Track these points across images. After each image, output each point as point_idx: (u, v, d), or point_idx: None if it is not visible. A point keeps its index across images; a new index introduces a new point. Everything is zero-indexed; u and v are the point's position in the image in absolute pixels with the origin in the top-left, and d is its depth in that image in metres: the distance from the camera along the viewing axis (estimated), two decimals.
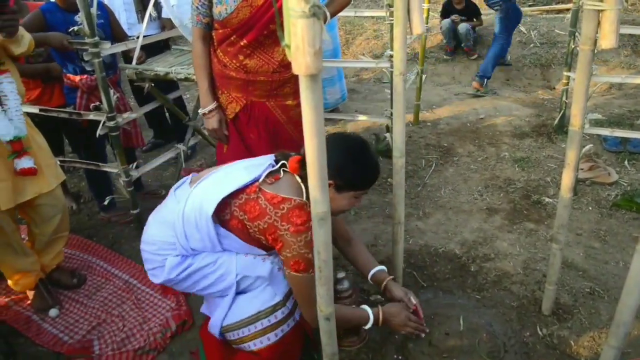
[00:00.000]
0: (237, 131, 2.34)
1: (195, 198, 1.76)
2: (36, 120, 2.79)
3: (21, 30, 2.12)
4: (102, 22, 2.78)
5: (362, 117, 3.36)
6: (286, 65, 2.17)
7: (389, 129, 3.39)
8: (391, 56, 2.95)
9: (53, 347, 2.28)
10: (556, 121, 4.03)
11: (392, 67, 2.96)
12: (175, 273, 1.80)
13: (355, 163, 1.74)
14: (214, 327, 1.90)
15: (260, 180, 1.72)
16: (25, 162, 2.20)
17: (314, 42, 1.02)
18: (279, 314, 1.85)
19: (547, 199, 3.11)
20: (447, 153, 3.81)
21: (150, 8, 2.73)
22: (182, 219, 1.75)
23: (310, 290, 1.56)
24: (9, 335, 2.33)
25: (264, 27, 2.08)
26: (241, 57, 2.14)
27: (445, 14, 5.97)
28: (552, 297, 2.16)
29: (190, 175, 1.93)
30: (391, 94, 3.01)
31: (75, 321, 2.41)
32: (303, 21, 1.00)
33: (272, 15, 2.07)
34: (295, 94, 2.22)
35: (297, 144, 2.25)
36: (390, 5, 2.92)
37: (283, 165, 1.78)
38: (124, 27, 3.12)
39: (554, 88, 5.38)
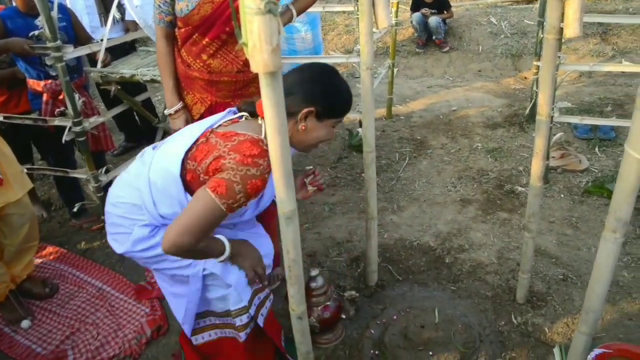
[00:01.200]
0: None
1: (158, 159, 1.63)
2: (2, 127, 2.73)
3: None
4: (64, 25, 2.72)
5: None
6: (247, 63, 2.14)
7: (361, 124, 3.38)
8: (360, 50, 2.93)
9: (27, 359, 2.23)
10: (527, 110, 4.06)
11: (360, 58, 2.94)
12: (140, 247, 1.66)
13: (335, 88, 1.62)
14: (188, 320, 1.81)
15: (215, 125, 1.62)
16: None
17: (271, 40, 1.01)
18: (244, 318, 1.78)
19: (520, 188, 3.14)
20: (421, 146, 3.82)
21: (114, 10, 2.69)
22: (148, 184, 1.61)
23: (205, 220, 1.43)
24: None
25: (225, 24, 2.04)
26: (204, 57, 2.10)
27: (415, 7, 5.99)
28: (525, 285, 2.18)
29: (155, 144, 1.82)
30: (361, 88, 3.01)
31: (49, 331, 2.37)
32: (259, 18, 0.98)
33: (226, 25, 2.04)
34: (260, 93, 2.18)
35: None
36: (358, 0, 2.91)
37: (245, 114, 1.67)
38: (87, 30, 3.06)
39: (525, 78, 5.44)
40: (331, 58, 3.30)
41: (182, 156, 1.55)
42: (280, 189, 1.20)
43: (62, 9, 2.80)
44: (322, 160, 3.65)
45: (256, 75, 2.19)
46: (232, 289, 1.72)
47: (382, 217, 2.92)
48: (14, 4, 2.79)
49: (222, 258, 1.61)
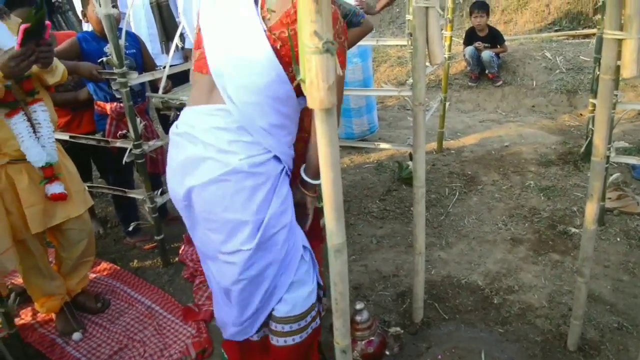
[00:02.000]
0: None
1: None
2: (66, 146, 2.88)
3: (55, 60, 2.21)
4: (133, 52, 2.88)
5: (385, 146, 3.36)
6: None
7: (411, 157, 3.39)
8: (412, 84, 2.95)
9: None
10: (582, 149, 3.97)
11: (413, 93, 2.96)
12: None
13: None
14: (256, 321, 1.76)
15: None
16: (55, 188, 2.27)
17: (327, 78, 1.04)
18: (294, 325, 1.74)
19: (573, 230, 3.05)
20: (471, 181, 3.78)
21: (177, 39, 2.81)
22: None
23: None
24: (33, 357, 2.38)
25: None
26: None
27: (468, 41, 5.98)
28: (577, 332, 2.11)
29: None
30: (413, 123, 3.02)
31: (98, 345, 2.44)
32: (317, 57, 1.02)
33: None
34: None
35: None
36: (411, 34, 2.94)
37: None
38: None
39: (581, 114, 5.32)
40: (383, 91, 3.34)
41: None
42: (331, 221, 1.22)
43: (133, 37, 2.96)
44: (371, 192, 3.66)
45: None
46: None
47: (430, 253, 2.89)
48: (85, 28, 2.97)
49: None
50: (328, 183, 1.16)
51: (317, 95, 1.05)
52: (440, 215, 3.33)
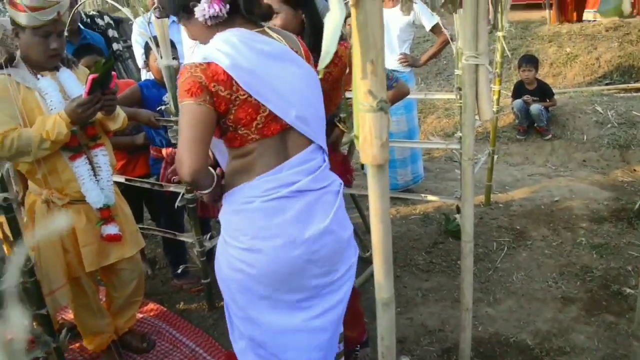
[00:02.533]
0: None
1: None
2: (121, 188, 3.00)
3: (117, 108, 2.34)
4: None
5: (432, 198, 3.36)
6: None
7: (459, 210, 3.37)
8: (461, 138, 2.97)
9: None
10: (637, 206, 3.85)
11: (462, 148, 2.97)
12: None
13: None
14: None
15: None
16: (111, 229, 2.37)
17: (381, 135, 1.08)
18: None
19: (628, 290, 2.94)
20: (520, 236, 3.71)
21: None
22: None
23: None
24: None
25: None
26: None
27: (516, 94, 5.97)
28: None
29: None
30: (461, 177, 3.02)
31: None
32: (371, 115, 1.07)
33: None
34: None
35: None
36: (460, 88, 2.98)
37: None
38: None
39: (634, 170, 5.17)
40: (430, 144, 3.36)
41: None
42: (380, 275, 1.23)
43: None
44: (417, 244, 3.64)
45: None
46: None
47: (477, 309, 2.83)
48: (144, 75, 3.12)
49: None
50: (378, 236, 1.18)
51: (370, 151, 1.09)
52: (488, 270, 3.27)
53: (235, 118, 1.59)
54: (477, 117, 2.25)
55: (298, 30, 2.00)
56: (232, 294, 1.76)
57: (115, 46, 4.25)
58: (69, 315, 2.97)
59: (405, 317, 2.79)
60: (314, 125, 1.71)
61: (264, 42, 1.64)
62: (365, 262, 3.30)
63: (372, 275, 3.20)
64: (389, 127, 1.11)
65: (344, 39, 2.14)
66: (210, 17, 1.60)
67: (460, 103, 2.94)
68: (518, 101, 5.80)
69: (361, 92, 1.06)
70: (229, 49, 1.56)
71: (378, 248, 1.20)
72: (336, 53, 2.02)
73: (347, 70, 2.00)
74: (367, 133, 1.08)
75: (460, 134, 2.95)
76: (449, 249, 3.56)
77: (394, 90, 2.35)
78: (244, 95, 1.57)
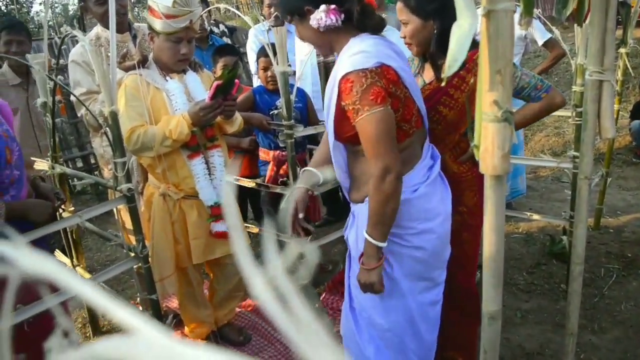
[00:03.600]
0: None
1: None
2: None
3: (236, 112, 2.47)
4: (300, 106, 3.13)
5: (537, 217, 3.24)
6: (444, 168, 2.10)
7: (565, 232, 3.22)
8: (574, 157, 2.84)
9: None
10: None
11: (574, 168, 2.85)
12: None
13: None
14: None
15: None
16: (220, 226, 2.49)
17: (503, 145, 1.07)
18: None
19: None
20: (631, 264, 3.47)
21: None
22: None
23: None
24: None
25: None
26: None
27: (636, 114, 5.60)
28: None
29: None
30: (572, 196, 2.89)
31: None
32: (494, 125, 1.06)
33: (428, 112, 2.01)
34: (454, 201, 2.08)
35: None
36: (577, 106, 2.86)
37: None
38: None
39: None
40: (541, 161, 3.24)
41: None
42: (489, 287, 1.22)
43: (301, 93, 3.23)
44: (518, 263, 3.51)
45: (450, 180, 2.26)
46: None
47: (581, 336, 2.68)
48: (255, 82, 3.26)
49: None
50: (491, 247, 1.17)
51: (490, 162, 1.09)
52: (593, 297, 3.09)
53: (402, 115, 1.70)
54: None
55: (427, 41, 1.99)
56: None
57: None
58: (173, 304, 3.15)
59: (503, 337, 2.70)
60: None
61: (392, 43, 1.76)
62: None
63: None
64: (512, 139, 1.10)
65: (477, 47, 2.08)
66: (325, 26, 1.66)
67: (576, 121, 2.83)
68: (637, 122, 5.45)
69: (486, 102, 1.06)
70: (386, 50, 1.67)
71: (490, 260, 1.19)
72: (475, 60, 1.99)
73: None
74: (489, 143, 1.08)
75: (573, 153, 2.84)
76: (552, 271, 3.40)
77: (543, 102, 2.13)
78: (407, 93, 1.70)
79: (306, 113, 3.23)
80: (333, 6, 1.64)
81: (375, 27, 1.74)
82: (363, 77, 1.58)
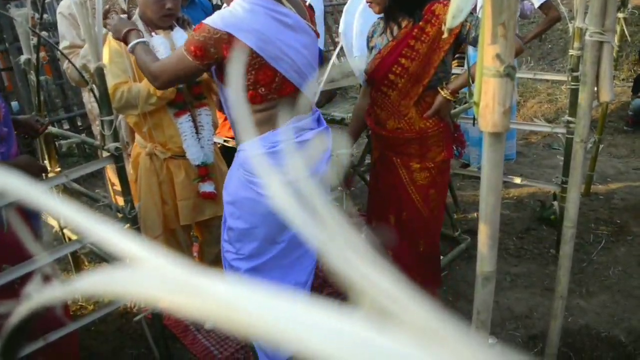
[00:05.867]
0: (375, 177, 2.50)
1: None
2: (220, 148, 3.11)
3: None
4: None
5: (528, 182, 3.23)
6: (410, 123, 2.21)
7: (555, 197, 3.22)
8: (568, 122, 2.82)
9: (204, 359, 2.45)
10: None
11: (568, 133, 2.83)
12: None
13: None
14: None
15: None
16: (207, 187, 2.45)
17: (504, 101, 1.03)
18: None
19: None
20: (620, 231, 3.49)
21: (334, 58, 2.92)
22: None
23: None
24: (169, 338, 2.55)
25: (383, 77, 2.17)
26: (376, 108, 2.28)
27: (637, 88, 5.57)
28: None
29: None
30: (564, 161, 2.87)
31: (226, 337, 2.57)
32: (496, 80, 1.02)
33: (390, 66, 2.15)
34: (421, 157, 2.24)
35: (417, 208, 2.27)
36: (573, 70, 2.81)
37: None
38: None
39: None
40: (534, 126, 3.21)
41: None
42: (484, 248, 1.20)
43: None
44: (508, 228, 3.52)
45: (415, 137, 2.31)
46: None
47: (569, 300, 2.69)
48: None
49: None
50: (487, 207, 1.15)
51: (490, 118, 1.05)
52: (582, 262, 3.11)
53: (255, 79, 1.81)
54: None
55: None
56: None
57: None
58: None
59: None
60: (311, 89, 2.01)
61: (284, 13, 1.80)
62: (453, 241, 3.24)
63: (459, 254, 3.15)
64: (513, 94, 1.06)
65: None
66: None
67: (572, 85, 2.79)
68: (638, 101, 5.44)
69: (488, 56, 1.02)
70: (251, 17, 1.75)
71: (486, 220, 1.16)
72: (433, 11, 2.03)
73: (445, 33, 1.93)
74: (489, 99, 1.04)
75: (568, 118, 2.82)
76: (541, 236, 3.42)
77: None
78: (262, 61, 1.78)
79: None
80: None
81: None
82: (205, 31, 1.77)
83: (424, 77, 2.11)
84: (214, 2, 4.33)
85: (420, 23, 2.07)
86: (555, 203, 3.16)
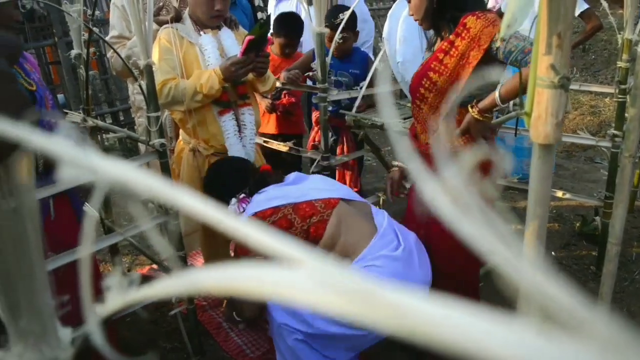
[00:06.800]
0: (412, 188, 2.46)
1: None
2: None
3: (268, 72, 2.43)
4: (357, 72, 3.07)
5: (568, 196, 3.16)
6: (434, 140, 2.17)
7: (597, 213, 3.15)
8: (614, 136, 2.75)
9: (236, 357, 2.47)
10: None
11: (613, 147, 2.76)
12: None
13: None
14: None
15: None
16: None
17: (557, 113, 1.02)
18: None
19: None
20: None
21: (377, 63, 2.92)
22: None
23: None
24: (202, 334, 2.59)
25: (415, 90, 2.13)
26: (414, 120, 2.27)
27: None
28: None
29: None
30: (608, 176, 2.81)
31: (259, 337, 2.59)
32: (549, 91, 1.01)
33: (421, 80, 2.10)
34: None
35: (441, 226, 2.22)
36: (620, 82, 2.75)
37: None
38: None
39: None
40: (578, 138, 3.14)
41: None
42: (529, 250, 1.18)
43: (361, 57, 3.17)
44: (547, 243, 3.41)
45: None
46: None
47: None
48: None
49: None
50: (535, 221, 1.13)
51: (542, 129, 1.03)
52: (624, 281, 3.03)
53: (296, 221, 2.07)
54: None
55: (430, 12, 2.04)
56: None
57: (259, 15, 4.40)
58: (197, 263, 3.18)
59: None
60: None
61: None
62: None
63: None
64: (567, 106, 1.05)
65: (485, 10, 2.03)
66: None
67: (619, 98, 2.72)
68: None
69: (542, 67, 1.01)
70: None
71: (532, 233, 1.15)
72: (465, 24, 1.97)
73: (477, 47, 1.91)
74: (542, 110, 1.03)
75: (613, 132, 2.75)
76: (581, 253, 3.34)
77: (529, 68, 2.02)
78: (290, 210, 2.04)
79: (362, 80, 3.08)
80: None
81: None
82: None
83: (450, 92, 2.04)
84: (256, 4, 4.38)
85: (451, 36, 1.99)
86: (597, 218, 3.09)
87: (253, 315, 2.32)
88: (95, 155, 0.30)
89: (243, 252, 2.04)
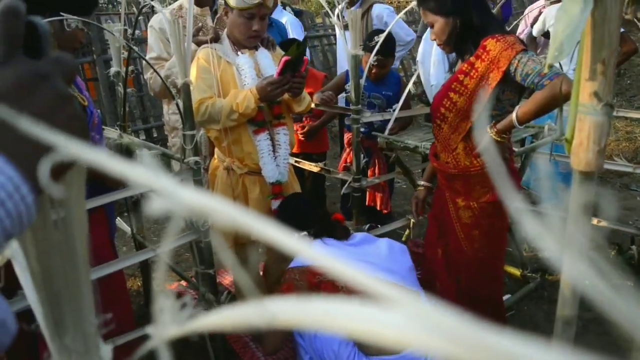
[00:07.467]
0: (433, 208, 2.50)
1: None
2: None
3: (304, 92, 2.46)
4: (390, 94, 3.09)
5: (604, 223, 3.09)
6: (457, 159, 2.17)
7: (634, 241, 3.07)
8: None
9: None
10: None
11: None
12: None
13: None
14: None
15: None
16: None
17: (599, 140, 1.01)
18: None
19: None
20: None
21: (410, 85, 2.92)
22: None
23: None
24: (230, 353, 2.59)
25: (436, 110, 2.16)
26: (435, 139, 2.29)
27: None
28: None
29: None
30: None
31: (285, 358, 2.58)
32: (592, 118, 1.00)
33: (442, 100, 2.13)
34: (466, 195, 2.19)
35: (460, 244, 2.23)
36: None
37: None
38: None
39: None
40: (614, 165, 3.09)
41: None
42: (567, 290, 1.16)
43: (395, 79, 3.20)
44: None
45: (459, 173, 2.25)
46: None
47: None
48: None
49: None
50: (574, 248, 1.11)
51: (584, 157, 1.03)
52: None
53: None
54: None
55: (454, 37, 2.07)
56: None
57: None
58: (225, 281, 3.19)
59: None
60: None
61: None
62: (519, 281, 3.15)
63: (528, 294, 3.04)
64: (609, 133, 1.03)
65: (502, 32, 2.02)
66: None
67: None
68: None
69: (585, 93, 1.00)
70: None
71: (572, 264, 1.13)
72: (485, 47, 2.00)
73: (496, 69, 1.93)
74: (584, 137, 1.02)
75: None
76: (617, 282, 3.25)
77: (545, 91, 1.85)
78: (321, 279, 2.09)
79: (394, 101, 3.12)
80: None
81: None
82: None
83: (473, 114, 2.07)
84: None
85: (471, 58, 2.03)
86: (634, 247, 3.01)
87: (276, 350, 2.31)
88: (174, 184, 0.30)
89: (289, 288, 2.08)
